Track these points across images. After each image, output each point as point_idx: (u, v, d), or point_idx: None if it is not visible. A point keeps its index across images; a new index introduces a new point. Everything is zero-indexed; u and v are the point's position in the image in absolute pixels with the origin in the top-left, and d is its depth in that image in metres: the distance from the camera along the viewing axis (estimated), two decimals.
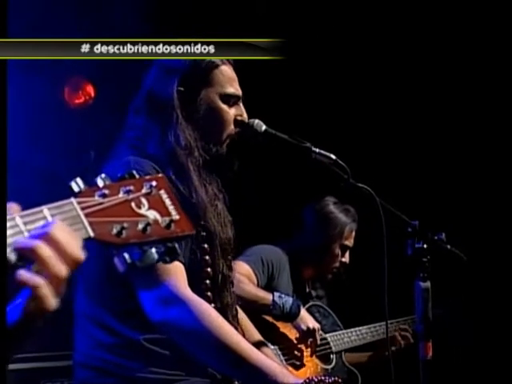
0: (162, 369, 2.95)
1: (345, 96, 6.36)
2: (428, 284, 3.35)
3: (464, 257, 3.53)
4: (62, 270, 1.52)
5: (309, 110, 6.32)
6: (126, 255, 1.67)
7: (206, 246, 3.00)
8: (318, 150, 3.25)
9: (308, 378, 2.85)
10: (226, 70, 3.14)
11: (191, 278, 2.90)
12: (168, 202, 1.73)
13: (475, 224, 5.97)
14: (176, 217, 1.72)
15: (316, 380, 2.85)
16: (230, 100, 3.12)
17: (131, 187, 1.69)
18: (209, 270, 3.03)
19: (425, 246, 3.36)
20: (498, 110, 6.16)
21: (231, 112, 3.12)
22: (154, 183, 1.73)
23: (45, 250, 1.49)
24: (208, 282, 3.03)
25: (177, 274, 2.85)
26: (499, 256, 5.93)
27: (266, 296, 4.31)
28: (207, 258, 3.02)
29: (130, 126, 3.10)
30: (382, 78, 6.33)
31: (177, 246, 1.66)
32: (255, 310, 4.26)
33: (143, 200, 1.70)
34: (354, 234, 4.83)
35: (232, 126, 3.12)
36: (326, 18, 6.25)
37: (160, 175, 1.79)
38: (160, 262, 2.71)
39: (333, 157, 3.26)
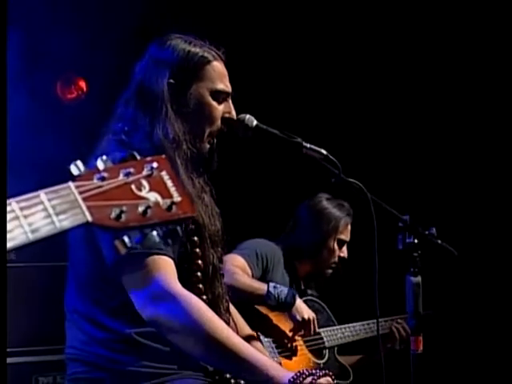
0: (154, 362, 2.97)
1: (335, 91, 6.39)
2: (419, 279, 3.38)
3: (455, 251, 3.55)
4: None
5: (299, 105, 6.35)
6: (126, 239, 1.65)
7: (195, 238, 3.03)
8: (308, 145, 3.28)
9: (299, 371, 2.87)
10: (218, 66, 3.15)
11: (182, 271, 2.94)
12: (169, 183, 1.72)
13: (466, 219, 6.01)
14: (177, 198, 1.71)
15: (307, 373, 2.87)
16: (219, 96, 3.14)
17: (131, 169, 1.68)
18: (199, 262, 3.06)
19: (415, 240, 3.39)
20: (488, 104, 6.19)
21: (220, 108, 3.14)
22: (155, 164, 1.72)
23: None
24: (199, 274, 3.06)
25: (166, 268, 2.88)
26: (490, 250, 5.97)
27: (261, 286, 4.34)
28: (197, 250, 3.05)
29: (118, 118, 3.10)
30: (371, 70, 6.36)
31: (178, 228, 1.65)
32: (250, 300, 4.31)
33: (144, 182, 1.68)
34: (349, 228, 4.87)
35: (219, 122, 3.14)
36: (320, 14, 6.27)
37: (162, 156, 1.76)
38: (149, 257, 2.79)
39: (324, 152, 3.29)
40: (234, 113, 3.18)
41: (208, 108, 3.12)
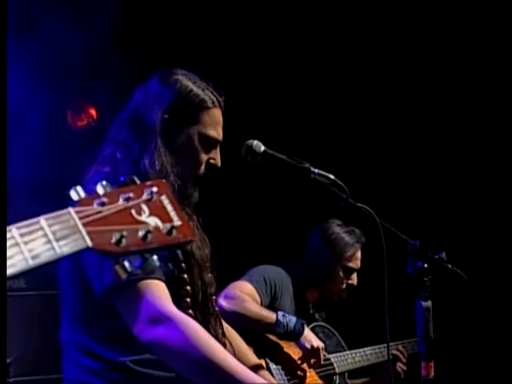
0: None
1: (343, 115, 6.39)
2: (429, 303, 3.36)
3: (465, 276, 3.53)
4: None
5: (307, 130, 6.35)
6: (127, 263, 1.64)
7: (183, 265, 3.00)
8: (316, 171, 3.27)
9: None
10: (215, 113, 3.16)
11: (172, 296, 2.90)
12: (169, 207, 1.71)
13: (475, 243, 5.98)
14: (178, 223, 1.70)
15: None
16: (209, 142, 3.13)
17: (131, 194, 1.68)
18: (188, 288, 3.04)
19: (425, 265, 3.37)
20: (496, 129, 6.18)
21: (205, 154, 3.13)
22: (154, 189, 1.71)
23: None
24: (188, 300, 3.04)
25: (160, 292, 2.86)
26: (500, 275, 5.93)
27: (270, 315, 4.33)
28: (185, 276, 3.03)
29: (111, 139, 3.10)
30: (380, 95, 6.35)
31: (179, 252, 1.63)
32: (259, 328, 4.30)
33: (144, 206, 1.68)
34: (358, 255, 4.79)
35: (203, 168, 3.13)
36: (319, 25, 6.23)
37: (162, 180, 1.76)
38: (142, 282, 2.78)
39: (331, 177, 3.28)
40: (219, 161, 3.17)
41: (194, 152, 3.12)
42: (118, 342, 2.95)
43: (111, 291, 2.83)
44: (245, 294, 4.34)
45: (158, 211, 1.69)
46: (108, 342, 2.96)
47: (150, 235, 1.65)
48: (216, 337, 3.01)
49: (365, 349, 4.84)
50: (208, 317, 3.11)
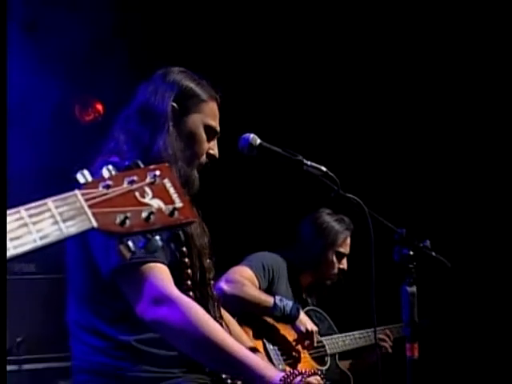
0: (154, 367, 2.98)
1: (332, 106, 6.38)
2: (414, 288, 3.37)
3: (448, 263, 3.55)
4: None
5: (297, 119, 6.35)
6: (131, 243, 1.65)
7: (184, 249, 3.05)
8: (309, 163, 3.30)
9: (290, 371, 2.89)
10: (214, 106, 3.25)
11: (174, 278, 2.94)
12: (172, 190, 1.72)
13: (458, 231, 6.00)
14: (179, 204, 1.71)
15: (297, 373, 2.89)
16: (210, 132, 3.21)
17: (135, 177, 1.68)
18: (189, 271, 3.07)
19: (411, 252, 3.39)
20: (480, 119, 6.18)
21: (207, 143, 3.21)
22: (157, 172, 1.72)
23: None
24: (189, 282, 3.07)
25: (162, 274, 2.90)
26: (483, 261, 5.96)
27: (268, 299, 4.38)
28: (186, 260, 3.06)
29: (116, 133, 3.15)
30: (367, 84, 6.34)
31: (181, 233, 1.64)
32: (258, 311, 4.35)
33: (147, 189, 1.68)
34: (348, 241, 4.87)
35: (204, 156, 3.21)
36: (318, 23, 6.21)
37: (165, 164, 1.77)
38: (145, 265, 2.80)
39: (323, 169, 3.31)
40: (217, 152, 3.25)
41: (199, 138, 3.19)
42: (122, 321, 2.98)
43: (117, 272, 2.86)
44: (244, 279, 4.39)
45: (161, 193, 1.70)
46: (113, 321, 3.00)
47: (152, 216, 1.66)
48: (214, 319, 3.03)
49: (354, 332, 4.89)
50: (207, 300, 3.14)
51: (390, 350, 4.92)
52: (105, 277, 2.89)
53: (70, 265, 3.12)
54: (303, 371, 2.92)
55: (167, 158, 2.97)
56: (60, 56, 5.54)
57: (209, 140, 3.22)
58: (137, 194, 1.67)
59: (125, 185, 1.67)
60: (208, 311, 3.04)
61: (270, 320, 4.45)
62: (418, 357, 3.42)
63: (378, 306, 3.41)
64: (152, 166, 1.73)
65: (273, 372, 2.86)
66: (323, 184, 3.35)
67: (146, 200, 1.67)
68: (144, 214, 1.66)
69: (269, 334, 4.41)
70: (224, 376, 3.12)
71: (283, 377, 2.82)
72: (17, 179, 5.31)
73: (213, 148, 3.24)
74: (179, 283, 2.99)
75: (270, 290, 4.55)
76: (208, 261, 3.19)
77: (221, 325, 3.11)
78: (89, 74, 5.85)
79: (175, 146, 3.08)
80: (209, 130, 3.21)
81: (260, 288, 4.49)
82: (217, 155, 3.25)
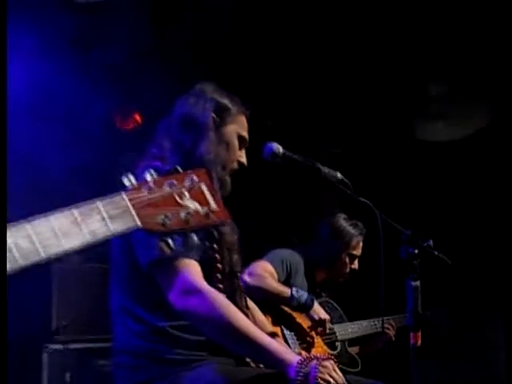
0: (186, 350, 2.97)
1: (342, 105, 6.28)
2: (418, 283, 3.36)
3: (448, 261, 3.54)
4: None
5: (307, 122, 6.26)
6: (170, 241, 1.65)
7: (215, 245, 3.03)
8: (326, 170, 3.30)
9: (306, 355, 2.86)
10: (244, 120, 3.27)
11: (205, 272, 2.93)
12: (208, 193, 1.71)
13: (458, 233, 5.95)
14: (214, 207, 1.70)
15: (313, 357, 2.85)
16: (241, 142, 3.23)
17: (175, 181, 1.67)
18: (219, 265, 3.06)
19: (416, 251, 3.38)
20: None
21: (239, 152, 3.23)
22: (195, 177, 1.71)
23: None
24: (219, 275, 3.06)
25: (194, 269, 2.88)
26: (479, 259, 5.91)
27: (286, 290, 4.38)
28: (217, 255, 3.05)
29: (158, 140, 3.14)
30: (377, 89, 6.20)
31: (214, 232, 1.65)
32: (277, 301, 4.35)
33: (185, 192, 1.67)
34: (361, 244, 4.86)
35: (235, 164, 3.21)
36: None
37: (202, 170, 1.76)
38: (179, 260, 2.80)
39: (339, 175, 3.31)
40: (245, 159, 3.25)
41: (233, 147, 3.20)
42: (158, 309, 2.97)
43: (153, 265, 2.86)
44: (265, 272, 4.40)
45: (198, 196, 1.69)
46: (150, 309, 2.99)
47: (190, 217, 1.66)
48: (240, 308, 3.02)
49: (362, 321, 4.87)
50: (234, 291, 3.13)
51: (393, 338, 4.90)
52: (143, 268, 2.89)
53: (114, 256, 3.11)
54: (318, 356, 2.89)
55: (206, 163, 2.97)
56: (104, 69, 5.53)
57: (240, 149, 3.23)
58: (176, 196, 1.66)
59: (165, 188, 1.66)
60: (235, 301, 3.03)
61: (287, 309, 4.44)
62: (420, 344, 3.42)
63: (384, 298, 3.40)
64: (190, 171, 1.72)
65: (291, 356, 2.83)
66: (338, 188, 3.35)
67: (185, 202, 1.67)
68: (182, 215, 1.65)
69: (286, 321, 4.41)
70: (248, 360, 3.10)
71: (300, 360, 2.79)
72: (64, 180, 5.33)
73: (242, 156, 3.25)
74: (210, 276, 2.98)
75: (287, 282, 4.55)
76: (236, 256, 3.18)
77: (246, 314, 3.08)
78: (128, 87, 5.84)
79: (214, 152, 3.09)
80: (241, 139, 3.23)
81: (279, 280, 4.49)
82: (245, 163, 3.26)
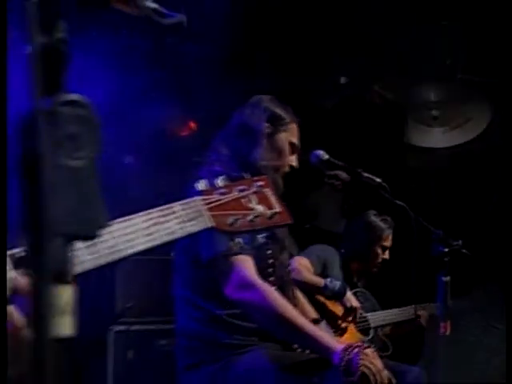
0: (239, 336, 2.95)
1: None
2: (448, 278, 3.34)
3: (476, 259, 3.50)
4: None
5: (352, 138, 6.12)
6: (238, 240, 1.64)
7: (269, 243, 3.00)
8: (366, 174, 3.29)
9: (349, 343, 2.82)
10: (295, 128, 3.22)
11: (259, 267, 2.88)
12: (272, 198, 1.71)
13: (485, 233, 5.82)
14: (278, 210, 1.69)
15: (355, 345, 2.81)
16: (292, 148, 3.18)
17: (243, 186, 1.67)
18: (271, 261, 3.02)
19: (446, 249, 3.37)
20: None
21: (290, 157, 3.19)
22: (260, 183, 1.71)
23: None
24: (270, 270, 3.02)
25: (249, 264, 2.84)
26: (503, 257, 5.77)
27: (320, 280, 4.34)
28: (270, 252, 3.01)
29: (216, 146, 3.12)
30: None
31: (278, 232, 1.63)
32: (312, 291, 4.30)
33: (252, 196, 1.67)
34: (390, 236, 4.81)
35: (287, 167, 3.17)
36: None
37: (265, 176, 1.76)
38: (236, 256, 2.78)
39: (378, 179, 3.29)
40: (296, 164, 3.20)
41: (285, 153, 3.16)
42: (215, 298, 2.93)
43: (214, 260, 2.83)
44: (302, 266, 4.36)
45: (263, 200, 1.68)
46: (208, 298, 2.96)
47: (256, 219, 1.65)
48: (288, 299, 2.98)
49: (393, 310, 4.82)
50: (283, 284, 3.09)
51: (423, 324, 4.85)
52: (203, 262, 2.86)
53: (177, 249, 3.09)
54: (360, 344, 2.84)
55: (260, 168, 2.96)
56: (170, 84, 5.49)
57: (291, 154, 3.19)
58: (244, 200, 1.66)
59: (235, 192, 1.66)
60: (284, 293, 2.99)
61: (321, 298, 4.40)
62: (449, 333, 3.38)
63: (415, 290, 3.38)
64: (256, 178, 1.72)
65: (335, 344, 2.79)
66: (377, 191, 3.32)
67: (252, 205, 1.66)
68: (249, 217, 1.65)
69: (320, 310, 4.36)
70: (295, 346, 3.07)
71: (345, 347, 2.76)
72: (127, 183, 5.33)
73: (293, 161, 3.20)
74: (262, 271, 2.94)
75: (324, 274, 4.52)
76: (285, 252, 3.16)
77: (294, 304, 3.04)
78: (185, 97, 5.82)
79: (267, 157, 3.07)
80: (292, 146, 3.18)
81: (315, 273, 4.46)
82: (296, 167, 3.21)
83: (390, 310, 4.80)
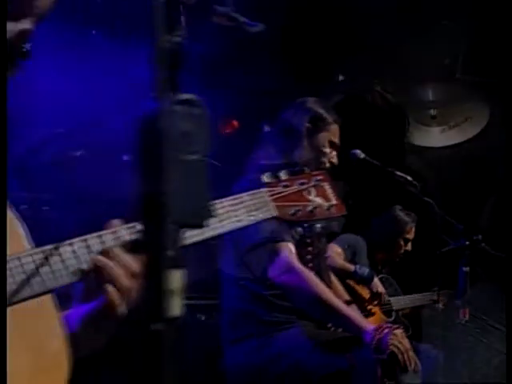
0: (280, 314, 2.93)
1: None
2: (468, 268, 3.30)
3: (495, 252, 3.44)
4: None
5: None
6: (299, 229, 1.63)
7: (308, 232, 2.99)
8: (399, 173, 3.26)
9: (380, 324, 2.79)
10: (336, 127, 3.17)
11: (299, 254, 2.89)
12: (329, 191, 1.68)
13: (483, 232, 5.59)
14: (335, 202, 1.68)
15: (385, 326, 2.79)
16: (333, 146, 3.14)
17: (304, 180, 1.66)
18: (310, 248, 3.01)
19: (467, 242, 3.33)
20: None
21: (330, 154, 3.14)
22: (319, 177, 1.69)
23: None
24: (309, 257, 3.00)
25: (291, 251, 2.84)
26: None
27: (351, 267, 4.30)
28: (309, 241, 3.00)
29: (262, 144, 3.10)
30: None
31: (333, 223, 1.61)
32: (343, 275, 4.27)
33: (312, 189, 1.65)
34: (413, 230, 4.75)
35: (327, 164, 3.12)
36: None
37: (324, 171, 1.74)
38: (279, 243, 2.75)
39: (409, 178, 3.26)
40: (336, 160, 3.16)
41: (326, 150, 3.12)
42: (259, 280, 2.92)
43: (261, 245, 2.81)
44: (335, 253, 4.32)
45: (321, 193, 1.66)
46: (254, 280, 2.95)
47: (315, 210, 1.63)
48: (325, 283, 2.96)
49: (414, 295, 4.78)
50: (321, 269, 3.08)
51: (441, 307, 4.79)
52: (250, 246, 2.84)
53: (226, 235, 3.07)
54: (390, 324, 2.81)
55: (302, 165, 2.91)
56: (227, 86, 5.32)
57: (331, 152, 3.15)
58: (304, 192, 1.64)
59: (296, 185, 1.64)
60: (321, 277, 2.97)
61: (351, 282, 4.36)
62: (468, 318, 3.33)
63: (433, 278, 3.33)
64: (315, 172, 1.70)
65: (367, 324, 2.77)
66: (407, 189, 3.29)
67: (311, 197, 1.64)
68: (309, 208, 1.63)
69: (350, 294, 4.33)
70: (329, 325, 3.05)
71: (376, 328, 2.73)
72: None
73: (333, 158, 3.16)
74: (303, 257, 2.93)
75: (352, 261, 4.48)
76: (323, 240, 3.13)
77: (329, 287, 3.03)
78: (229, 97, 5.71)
79: (308, 155, 3.03)
80: (332, 144, 3.15)
81: (345, 259, 4.42)
82: (337, 163, 3.17)
83: (410, 295, 4.75)
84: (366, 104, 5.44)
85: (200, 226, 0.72)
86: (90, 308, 1.25)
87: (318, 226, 1.62)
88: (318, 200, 1.64)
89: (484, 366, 4.20)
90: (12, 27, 1.22)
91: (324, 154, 3.12)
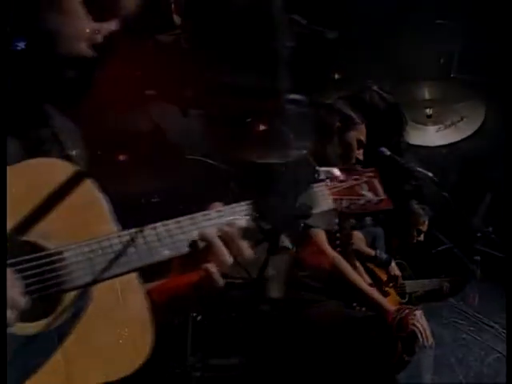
0: (311, 293, 2.93)
1: None
2: (478, 257, 3.27)
3: (504, 243, 3.41)
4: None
5: None
6: (352, 220, 1.63)
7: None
8: (419, 169, 3.24)
9: (401, 306, 2.78)
10: (363, 127, 3.16)
11: (329, 240, 2.88)
12: (379, 186, 1.68)
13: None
14: (383, 197, 1.68)
15: (405, 307, 2.79)
16: (359, 144, 3.12)
17: (357, 176, 1.66)
18: (338, 235, 3.00)
19: (479, 234, 3.31)
20: None
21: (358, 151, 3.13)
22: (371, 174, 1.69)
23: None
24: (337, 242, 3.00)
25: (322, 236, 2.84)
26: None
27: (371, 251, 4.28)
28: (336, 227, 2.97)
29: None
30: None
31: (380, 216, 1.63)
32: (364, 259, 4.26)
33: (364, 185, 1.65)
34: (426, 222, 4.71)
35: (354, 160, 3.11)
36: None
37: (374, 168, 1.73)
38: (312, 229, 2.74)
39: (430, 174, 3.23)
40: (362, 157, 3.12)
41: (353, 148, 3.10)
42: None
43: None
44: (358, 239, 4.30)
45: (373, 188, 1.66)
46: None
47: (367, 204, 1.63)
48: (351, 266, 2.97)
49: (425, 280, 4.75)
50: (347, 254, 3.08)
51: (448, 291, 4.76)
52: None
53: None
54: (410, 306, 2.80)
55: (332, 160, 2.93)
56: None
57: (358, 149, 3.13)
58: (357, 187, 1.64)
59: (350, 181, 1.63)
60: (348, 260, 2.96)
61: (371, 265, 4.35)
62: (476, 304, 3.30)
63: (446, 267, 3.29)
64: (367, 169, 1.69)
65: (390, 305, 2.77)
66: (427, 184, 3.26)
67: (363, 192, 1.64)
68: (361, 202, 1.63)
69: (370, 275, 4.31)
70: (354, 304, 3.04)
71: (398, 309, 2.72)
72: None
73: (360, 155, 3.15)
74: (332, 242, 2.93)
75: (372, 246, 4.46)
76: (349, 228, 3.14)
77: (355, 269, 3.03)
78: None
79: (337, 151, 3.04)
80: (359, 142, 3.13)
81: (366, 245, 4.41)
82: (362, 160, 3.15)
83: (422, 280, 4.72)
84: (363, 103, 5.26)
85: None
86: (185, 280, 1.24)
87: (368, 218, 1.61)
88: (369, 194, 1.64)
89: (478, 363, 4.14)
90: (97, 27, 1.20)
91: (352, 150, 3.10)
